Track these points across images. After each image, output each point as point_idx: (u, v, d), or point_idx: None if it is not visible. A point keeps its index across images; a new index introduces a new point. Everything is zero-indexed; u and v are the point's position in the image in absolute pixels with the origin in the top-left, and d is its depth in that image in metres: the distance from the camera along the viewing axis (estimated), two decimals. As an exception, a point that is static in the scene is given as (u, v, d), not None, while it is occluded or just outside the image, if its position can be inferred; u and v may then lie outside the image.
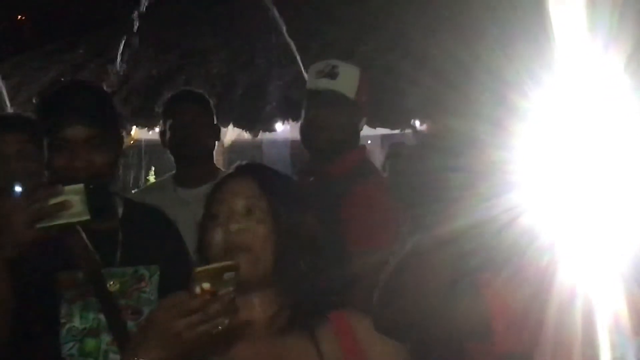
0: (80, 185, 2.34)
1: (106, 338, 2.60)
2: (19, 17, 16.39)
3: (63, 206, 2.30)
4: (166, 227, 2.84)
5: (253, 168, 2.28)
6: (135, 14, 13.08)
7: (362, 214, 3.45)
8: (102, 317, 2.61)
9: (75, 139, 2.59)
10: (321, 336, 2.15)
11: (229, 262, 1.94)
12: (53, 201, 2.29)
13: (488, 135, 2.44)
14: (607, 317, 2.12)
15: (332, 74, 3.63)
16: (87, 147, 2.59)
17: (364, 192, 3.53)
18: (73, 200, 2.31)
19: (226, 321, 1.87)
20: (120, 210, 2.78)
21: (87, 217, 2.33)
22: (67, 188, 2.33)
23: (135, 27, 13.24)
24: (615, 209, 2.15)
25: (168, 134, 4.32)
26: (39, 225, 2.28)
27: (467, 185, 2.18)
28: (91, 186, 2.36)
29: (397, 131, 12.59)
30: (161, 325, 1.88)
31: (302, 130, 3.69)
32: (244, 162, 2.34)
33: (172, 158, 4.42)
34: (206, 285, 1.87)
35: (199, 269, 1.91)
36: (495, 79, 2.55)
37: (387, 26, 12.20)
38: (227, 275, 1.90)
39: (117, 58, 13.23)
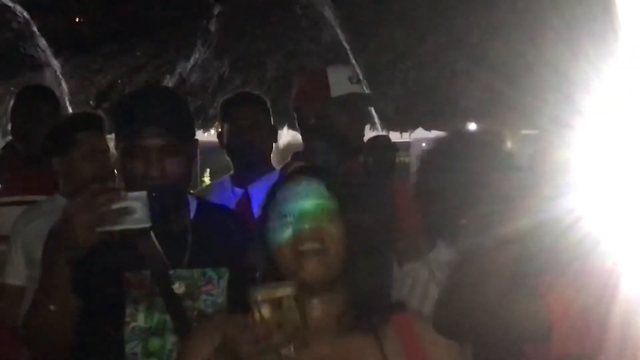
0: (143, 193, 2.35)
1: (171, 338, 2.60)
2: (77, 19, 16.60)
3: (125, 212, 2.31)
4: (238, 230, 2.81)
5: (316, 170, 2.29)
6: (193, 17, 13.17)
7: (409, 207, 3.59)
8: (167, 317, 2.60)
9: (151, 148, 2.56)
10: (384, 338, 2.15)
11: (283, 291, 1.96)
12: (115, 206, 2.31)
13: (553, 134, 2.41)
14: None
15: (358, 80, 3.69)
16: (163, 156, 2.57)
17: (403, 186, 3.72)
18: (135, 207, 2.33)
19: (292, 348, 1.92)
20: (192, 212, 2.77)
21: (147, 224, 2.35)
22: (131, 194, 2.34)
23: (192, 31, 13.32)
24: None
25: (226, 137, 4.33)
26: (99, 229, 2.30)
27: (531, 185, 2.15)
28: (154, 194, 2.37)
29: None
30: (230, 347, 1.96)
31: (339, 132, 3.63)
32: (300, 165, 2.35)
33: (228, 159, 4.43)
34: (265, 311, 1.92)
35: (254, 291, 1.96)
36: (560, 76, 2.51)
37: (445, 26, 12.13)
38: (286, 303, 1.93)
39: (173, 60, 13.35)
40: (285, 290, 1.96)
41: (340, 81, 3.64)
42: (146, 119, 2.60)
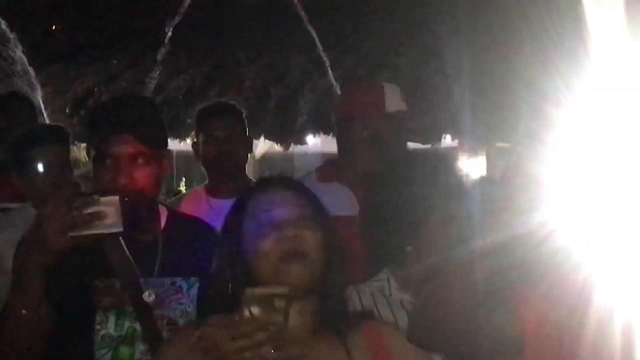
0: (115, 197, 2.36)
1: (141, 347, 2.61)
2: (54, 26, 16.55)
3: (97, 216, 2.32)
4: (209, 241, 2.82)
5: (289, 180, 2.33)
6: (169, 25, 13.16)
7: None
8: (137, 326, 2.61)
9: (122, 156, 2.59)
10: (353, 344, 2.17)
11: (281, 289, 1.98)
12: (88, 211, 2.31)
13: (525, 148, 2.43)
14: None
15: (406, 99, 3.84)
16: (134, 164, 2.60)
17: None
18: (107, 212, 2.33)
19: (272, 351, 1.93)
20: (162, 222, 2.78)
21: (119, 229, 2.35)
22: (103, 199, 2.35)
23: (169, 38, 13.31)
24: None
25: (201, 148, 4.34)
26: (72, 234, 2.30)
27: (503, 198, 2.17)
28: (126, 199, 2.39)
29: (428, 145, 12.58)
30: (209, 343, 1.98)
31: (389, 146, 3.76)
32: (272, 175, 2.37)
33: (204, 169, 4.45)
34: (255, 310, 1.92)
35: (250, 290, 1.96)
36: (532, 91, 2.54)
37: (421, 40, 12.19)
38: (278, 303, 1.94)
39: (150, 68, 13.30)
40: (280, 290, 1.97)
41: (395, 98, 3.78)
42: (116, 127, 2.62)
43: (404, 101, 3.80)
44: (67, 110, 13.65)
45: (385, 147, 3.70)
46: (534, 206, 2.07)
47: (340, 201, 3.38)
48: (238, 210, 2.25)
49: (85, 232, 2.32)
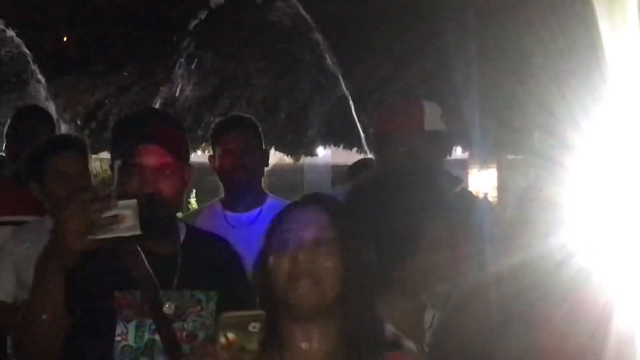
0: (134, 201, 2.39)
1: (160, 359, 2.64)
2: (64, 38, 16.60)
3: (116, 219, 2.35)
4: (228, 257, 2.87)
5: (322, 199, 2.30)
6: (180, 37, 13.20)
7: None
8: (157, 338, 2.64)
9: (148, 165, 2.63)
10: None
11: (256, 312, 1.99)
12: (106, 214, 2.35)
13: (540, 169, 2.44)
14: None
15: (446, 119, 3.82)
16: (158, 175, 2.63)
17: None
18: (126, 215, 2.36)
19: None
20: (182, 236, 2.82)
21: (138, 232, 2.38)
22: (121, 202, 2.38)
23: (179, 51, 13.35)
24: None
25: (217, 161, 4.36)
26: (90, 237, 2.34)
27: (523, 220, 2.17)
28: (145, 202, 2.43)
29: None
30: None
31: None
32: (311, 193, 2.38)
33: (216, 181, 4.47)
34: (231, 335, 1.93)
35: (226, 314, 1.97)
36: (546, 112, 2.54)
37: (430, 52, 12.20)
38: (253, 326, 1.94)
39: (161, 81, 13.34)
40: (255, 313, 1.98)
41: (434, 117, 3.76)
42: (143, 136, 2.66)
43: (443, 121, 3.77)
44: (78, 122, 13.70)
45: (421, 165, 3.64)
46: (553, 228, 2.08)
47: None
48: (273, 224, 2.25)
49: (103, 235, 2.35)
